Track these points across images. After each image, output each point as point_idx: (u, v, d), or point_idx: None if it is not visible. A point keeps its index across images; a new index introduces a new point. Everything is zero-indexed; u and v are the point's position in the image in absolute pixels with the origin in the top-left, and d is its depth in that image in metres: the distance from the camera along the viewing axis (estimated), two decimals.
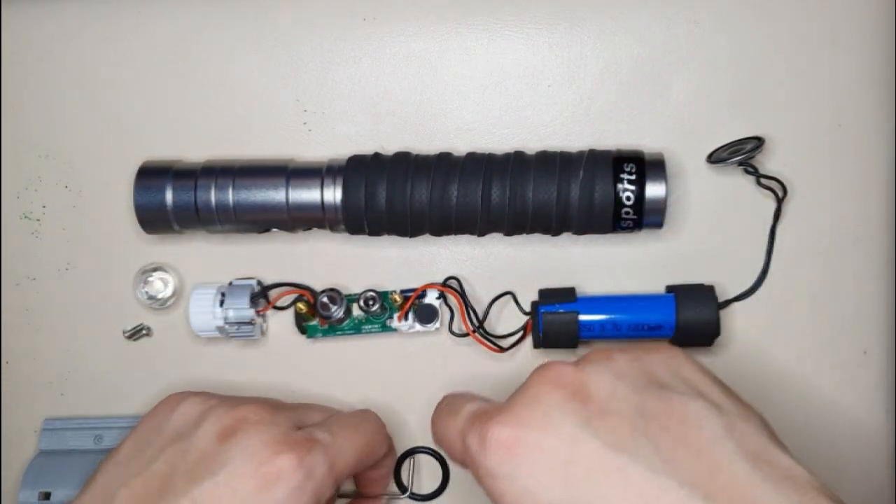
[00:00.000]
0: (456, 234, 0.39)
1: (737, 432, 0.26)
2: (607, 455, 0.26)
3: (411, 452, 0.40)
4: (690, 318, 0.37)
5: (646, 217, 0.37)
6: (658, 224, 0.37)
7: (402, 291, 0.40)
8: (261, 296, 0.40)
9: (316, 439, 0.32)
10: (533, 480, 0.27)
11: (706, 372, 0.30)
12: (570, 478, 0.26)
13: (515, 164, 0.37)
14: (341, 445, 0.33)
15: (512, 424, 0.28)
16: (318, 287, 0.41)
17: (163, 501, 0.30)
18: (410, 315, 0.40)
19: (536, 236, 0.40)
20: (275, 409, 0.33)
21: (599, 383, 0.28)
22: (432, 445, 0.40)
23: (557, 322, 0.37)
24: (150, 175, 0.39)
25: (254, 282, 0.40)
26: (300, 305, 0.39)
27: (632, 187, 0.36)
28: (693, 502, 0.24)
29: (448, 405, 0.33)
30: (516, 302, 0.40)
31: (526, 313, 0.40)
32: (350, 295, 0.40)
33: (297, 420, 0.34)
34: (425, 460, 0.41)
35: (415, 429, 0.41)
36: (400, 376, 0.41)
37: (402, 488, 0.40)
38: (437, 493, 0.40)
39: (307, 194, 0.38)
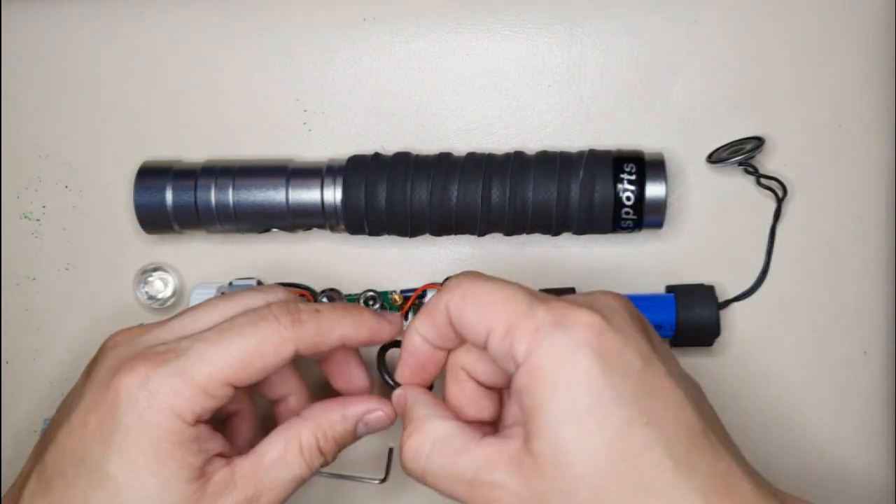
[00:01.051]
0: (456, 234, 0.39)
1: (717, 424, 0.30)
2: (673, 384, 0.27)
3: (395, 344, 0.36)
4: (690, 318, 0.37)
5: (646, 217, 0.37)
6: (658, 224, 0.37)
7: (402, 291, 0.40)
8: None
9: (166, 351, 0.29)
10: (610, 375, 0.26)
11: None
12: (642, 386, 0.27)
13: (515, 165, 0.37)
14: (204, 352, 0.29)
15: (599, 314, 0.27)
16: (318, 287, 0.41)
17: (44, 449, 0.29)
18: (410, 315, 0.40)
19: (536, 236, 0.40)
20: (149, 327, 0.31)
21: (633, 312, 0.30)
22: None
23: None
24: (150, 175, 0.39)
25: (254, 282, 0.40)
26: None
27: (632, 187, 0.36)
28: (723, 453, 0.27)
29: (494, 279, 0.30)
30: None
31: None
32: (350, 295, 0.40)
33: (172, 333, 0.30)
34: None
35: None
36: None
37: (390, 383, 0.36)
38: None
39: (307, 194, 0.38)
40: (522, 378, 0.27)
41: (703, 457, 0.26)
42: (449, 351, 0.32)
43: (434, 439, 0.29)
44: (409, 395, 0.32)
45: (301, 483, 0.31)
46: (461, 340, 0.31)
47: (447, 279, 0.40)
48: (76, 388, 0.31)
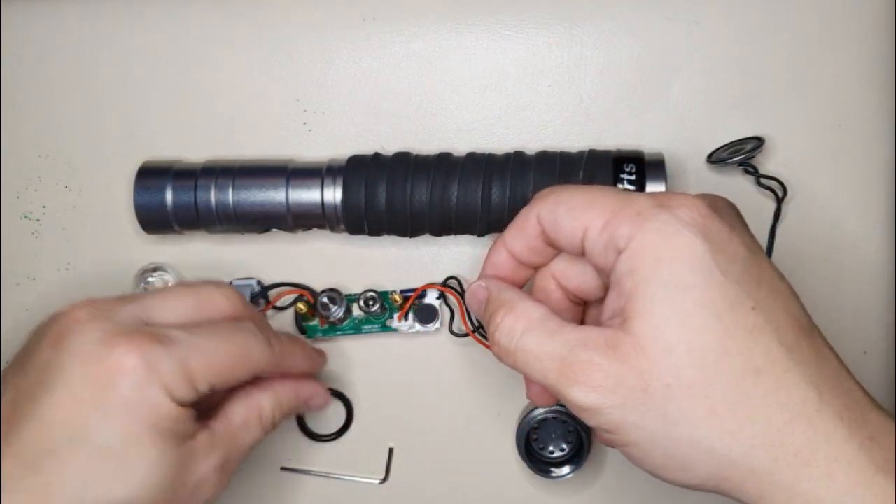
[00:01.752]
0: (456, 234, 0.39)
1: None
2: (779, 278, 0.28)
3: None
4: None
5: None
6: None
7: (402, 291, 0.40)
8: (261, 296, 0.40)
9: (163, 335, 0.29)
10: (719, 252, 0.26)
11: None
12: (749, 276, 0.27)
13: (515, 164, 0.37)
14: (199, 345, 0.30)
15: (705, 203, 0.28)
16: (318, 287, 0.41)
17: (14, 429, 0.28)
18: (410, 315, 0.40)
19: None
20: (111, 304, 0.30)
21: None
22: (333, 388, 0.40)
23: None
24: (150, 175, 0.39)
25: (254, 282, 0.40)
26: (300, 305, 0.39)
27: (632, 187, 0.36)
28: (829, 351, 0.27)
29: (583, 187, 0.31)
30: None
31: None
32: (350, 295, 0.40)
33: (143, 314, 0.31)
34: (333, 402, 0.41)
35: (415, 428, 0.41)
36: (400, 376, 0.41)
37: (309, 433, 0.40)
38: (339, 432, 0.41)
39: (307, 194, 0.38)
40: (625, 263, 0.27)
41: (814, 351, 0.26)
42: (535, 269, 0.32)
43: (529, 318, 0.29)
44: (491, 285, 0.32)
45: (255, 446, 0.33)
46: (550, 254, 0.32)
47: (448, 278, 0.40)
48: (38, 360, 0.29)
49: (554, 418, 0.38)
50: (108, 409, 0.28)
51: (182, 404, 0.29)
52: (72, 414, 0.28)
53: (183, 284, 0.34)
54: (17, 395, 0.29)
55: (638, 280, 0.26)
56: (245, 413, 0.33)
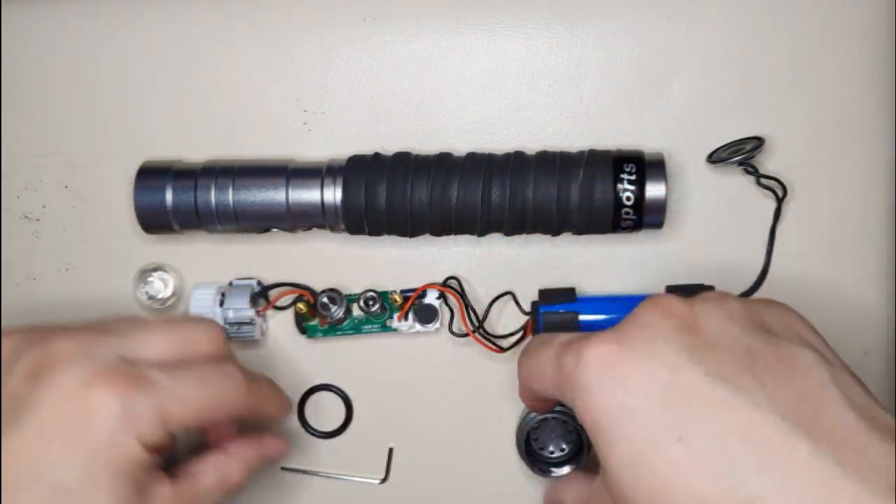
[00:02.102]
0: (456, 234, 0.39)
1: (843, 384, 0.26)
2: (710, 384, 0.25)
3: (312, 391, 0.41)
4: None
5: (646, 217, 0.37)
6: (658, 224, 0.37)
7: (402, 291, 0.40)
8: (261, 296, 0.40)
9: (145, 377, 0.29)
10: (630, 398, 0.26)
11: (816, 330, 0.29)
12: (669, 402, 0.25)
13: (515, 164, 0.37)
14: (180, 392, 0.29)
15: (615, 342, 0.27)
16: (318, 287, 0.41)
17: None
18: (410, 315, 0.40)
19: (536, 236, 0.40)
20: (94, 338, 0.30)
21: (710, 320, 0.28)
22: (334, 385, 0.41)
23: (557, 322, 0.37)
24: (150, 175, 0.39)
25: (254, 282, 0.40)
26: (300, 305, 0.39)
27: (632, 187, 0.36)
28: (794, 437, 0.24)
29: (539, 339, 0.32)
30: (516, 302, 0.40)
31: (526, 313, 0.40)
32: (350, 295, 0.40)
33: (126, 350, 0.30)
34: (329, 398, 0.41)
35: (415, 428, 0.41)
36: (400, 376, 0.41)
37: (309, 429, 0.41)
38: (340, 430, 0.41)
39: (307, 194, 0.38)
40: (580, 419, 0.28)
41: (762, 452, 0.24)
42: None
43: None
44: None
45: None
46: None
47: (448, 278, 0.40)
48: (13, 388, 0.29)
49: (554, 418, 0.38)
50: (75, 449, 0.27)
51: (151, 449, 0.29)
52: (37, 451, 0.27)
53: (166, 319, 0.34)
54: None
55: (593, 440, 0.27)
56: (213, 477, 0.33)
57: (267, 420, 0.38)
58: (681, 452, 0.25)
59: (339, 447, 0.41)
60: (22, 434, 0.28)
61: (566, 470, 0.39)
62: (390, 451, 0.41)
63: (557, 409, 0.38)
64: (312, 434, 0.41)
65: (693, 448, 0.24)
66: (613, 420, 0.26)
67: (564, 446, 0.39)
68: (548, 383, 0.30)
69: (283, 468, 0.41)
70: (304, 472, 0.41)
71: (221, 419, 0.32)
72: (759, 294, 0.39)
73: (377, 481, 0.41)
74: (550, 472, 0.39)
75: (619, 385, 0.26)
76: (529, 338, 0.40)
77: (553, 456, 0.39)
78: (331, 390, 0.41)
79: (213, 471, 0.33)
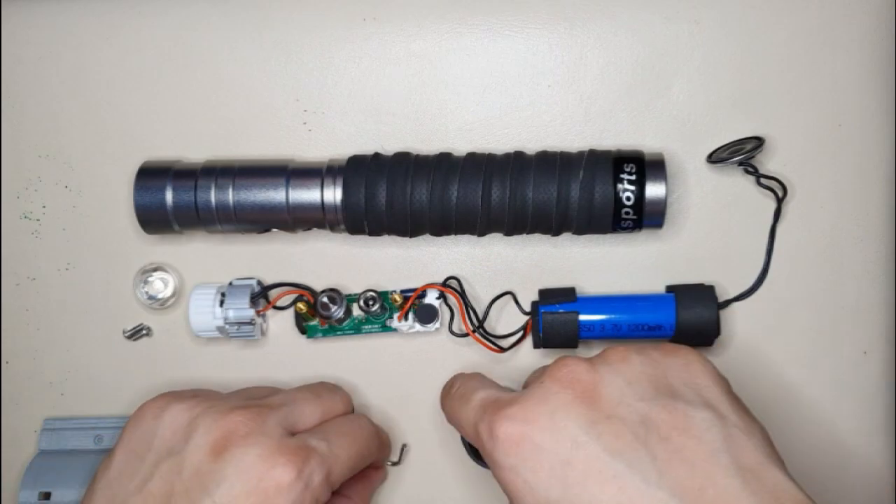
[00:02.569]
0: (456, 234, 0.39)
1: (735, 446, 0.27)
2: (605, 461, 0.27)
3: None
4: (690, 318, 0.37)
5: (646, 217, 0.37)
6: (658, 224, 0.37)
7: (402, 291, 0.40)
8: (261, 296, 0.40)
9: (312, 448, 0.32)
10: (534, 476, 0.28)
11: (720, 380, 0.30)
12: (568, 479, 0.27)
13: (515, 164, 0.37)
14: (337, 454, 0.33)
15: (520, 420, 0.29)
16: (318, 287, 0.41)
17: None
18: (410, 315, 0.40)
19: (536, 236, 0.40)
20: (263, 415, 0.33)
21: (610, 387, 0.29)
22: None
23: (557, 322, 0.37)
24: (150, 175, 0.39)
25: (254, 282, 0.40)
26: (300, 305, 0.39)
27: (632, 187, 0.36)
28: None
29: (459, 392, 0.34)
30: (516, 302, 0.40)
31: (526, 313, 0.40)
32: (350, 295, 0.40)
33: (286, 423, 0.33)
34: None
35: (415, 428, 0.41)
36: (400, 376, 0.41)
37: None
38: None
39: (307, 194, 0.38)
40: None
41: None
42: None
43: None
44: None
45: None
46: None
47: (448, 278, 0.40)
48: (194, 463, 0.31)
49: None
50: None
51: None
52: None
53: (308, 388, 0.38)
54: (171, 491, 0.31)
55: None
56: None
57: (380, 463, 0.41)
58: None
59: None
60: None
61: None
62: (403, 446, 0.41)
63: None
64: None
65: None
66: (522, 498, 0.28)
67: None
68: (468, 436, 0.32)
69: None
70: None
71: (366, 465, 0.36)
72: (758, 294, 0.39)
73: (390, 464, 0.41)
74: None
75: (523, 465, 0.28)
76: (528, 341, 0.40)
77: None
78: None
79: None
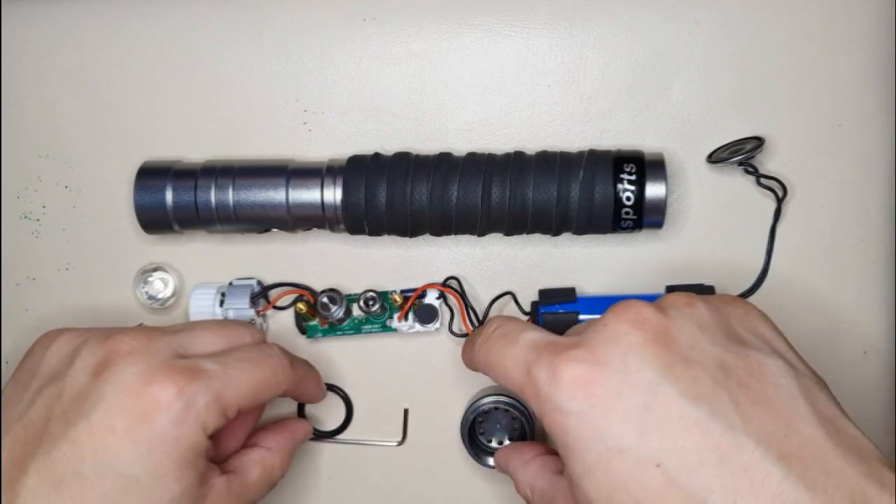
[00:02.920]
0: (456, 234, 0.39)
1: (811, 395, 0.26)
2: (686, 406, 0.25)
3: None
4: None
5: (646, 217, 0.37)
6: (658, 224, 0.37)
7: (402, 291, 0.40)
8: (261, 296, 0.40)
9: (200, 368, 0.31)
10: (606, 422, 0.26)
11: (780, 332, 0.29)
12: (646, 425, 0.25)
13: (515, 165, 0.37)
14: (233, 377, 0.31)
15: (589, 363, 0.27)
16: (318, 287, 0.41)
17: (42, 447, 0.29)
18: (410, 315, 0.40)
19: (536, 236, 0.40)
20: (151, 336, 0.31)
21: (682, 331, 0.27)
22: (336, 385, 0.41)
23: (557, 322, 0.37)
24: (150, 175, 0.39)
25: (254, 282, 0.40)
26: (300, 305, 0.39)
27: (632, 187, 0.36)
28: (767, 462, 0.24)
29: (500, 332, 0.31)
30: (516, 302, 0.40)
31: (526, 313, 0.40)
32: (350, 295, 0.40)
33: (179, 347, 0.32)
34: (330, 398, 0.41)
35: (415, 428, 0.41)
36: (400, 376, 0.41)
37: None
38: (340, 429, 0.41)
39: (307, 194, 0.38)
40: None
41: (737, 477, 0.24)
42: None
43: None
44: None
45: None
46: None
47: (448, 278, 0.40)
48: (74, 384, 0.30)
49: (504, 409, 0.39)
50: (141, 441, 0.29)
51: (210, 436, 0.31)
52: (104, 442, 0.29)
53: (215, 320, 0.37)
54: (49, 415, 0.30)
55: (564, 462, 0.28)
56: (260, 472, 0.35)
57: (306, 401, 0.39)
58: (659, 480, 0.25)
59: (338, 447, 0.41)
60: (89, 427, 0.29)
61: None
62: (405, 411, 0.41)
63: (504, 398, 0.38)
64: (315, 435, 0.41)
65: (671, 475, 0.24)
66: (589, 446, 0.26)
67: (507, 440, 0.40)
68: (511, 384, 0.30)
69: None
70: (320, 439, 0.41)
71: (270, 398, 0.34)
72: (758, 294, 0.39)
73: (395, 444, 0.41)
74: (488, 461, 0.39)
75: (592, 410, 0.26)
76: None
77: (493, 446, 0.40)
78: (332, 390, 0.41)
79: (258, 466, 0.35)
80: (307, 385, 0.37)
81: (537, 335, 0.30)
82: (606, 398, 0.26)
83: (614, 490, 0.25)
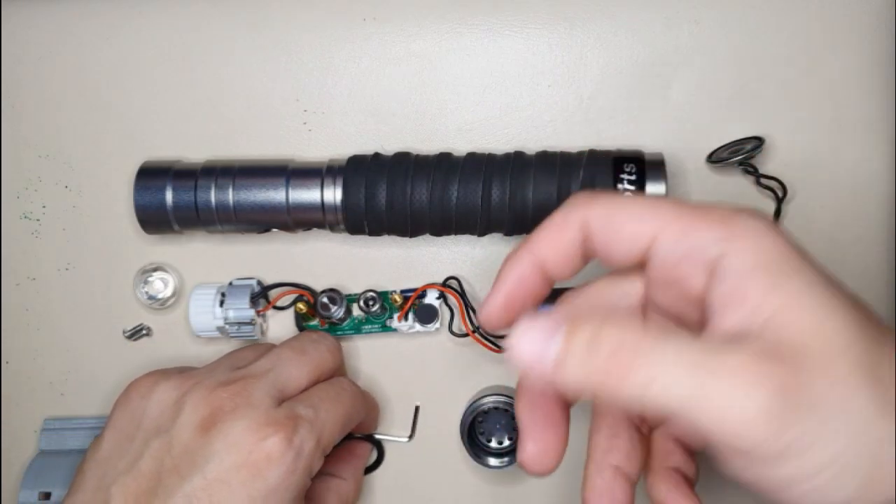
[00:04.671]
0: (456, 234, 0.39)
1: None
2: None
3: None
4: None
5: None
6: None
7: (402, 291, 0.40)
8: (261, 296, 0.40)
9: (300, 416, 0.32)
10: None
11: None
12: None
13: (515, 164, 0.37)
14: (324, 419, 0.33)
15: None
16: (318, 287, 0.41)
17: (158, 499, 0.30)
18: (410, 315, 0.40)
19: None
20: (249, 388, 0.33)
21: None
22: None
23: None
24: (150, 175, 0.39)
25: (254, 282, 0.40)
26: (300, 305, 0.39)
27: (632, 188, 0.36)
28: None
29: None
30: None
31: None
32: (350, 295, 0.40)
33: (273, 391, 0.33)
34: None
35: (415, 429, 0.41)
36: (400, 376, 0.41)
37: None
38: (373, 467, 0.41)
39: (307, 194, 0.38)
40: (734, 269, 0.23)
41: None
42: (550, 284, 0.28)
43: (641, 328, 0.23)
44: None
45: None
46: (578, 268, 0.27)
47: (448, 278, 0.40)
48: (183, 440, 0.31)
49: (504, 410, 0.39)
50: (256, 495, 0.30)
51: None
52: (220, 495, 0.30)
53: (292, 346, 0.36)
54: (160, 468, 0.31)
55: (765, 283, 0.23)
56: (336, 501, 0.37)
57: (369, 431, 0.40)
58: (850, 293, 0.23)
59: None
60: (204, 481, 0.30)
61: (505, 461, 0.39)
62: (416, 409, 0.41)
63: (504, 399, 0.38)
64: None
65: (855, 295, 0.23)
66: (812, 270, 0.23)
67: (507, 440, 0.40)
68: (661, 222, 0.24)
69: None
70: None
71: (350, 429, 0.36)
72: None
73: (405, 439, 0.41)
74: (488, 461, 0.39)
75: (791, 243, 0.24)
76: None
77: (492, 446, 0.40)
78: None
79: (335, 496, 0.37)
80: (374, 413, 0.40)
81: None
82: (794, 242, 0.24)
83: (834, 301, 0.23)
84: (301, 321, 0.41)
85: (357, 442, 0.40)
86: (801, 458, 0.21)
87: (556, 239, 0.27)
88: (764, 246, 0.23)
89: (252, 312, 0.39)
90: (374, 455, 0.41)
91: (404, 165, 0.38)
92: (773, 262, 0.23)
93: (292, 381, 0.34)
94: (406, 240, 0.40)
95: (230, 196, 0.38)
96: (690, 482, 0.29)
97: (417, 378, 0.41)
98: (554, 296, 0.37)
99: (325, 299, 0.39)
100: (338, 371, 0.38)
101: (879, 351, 0.22)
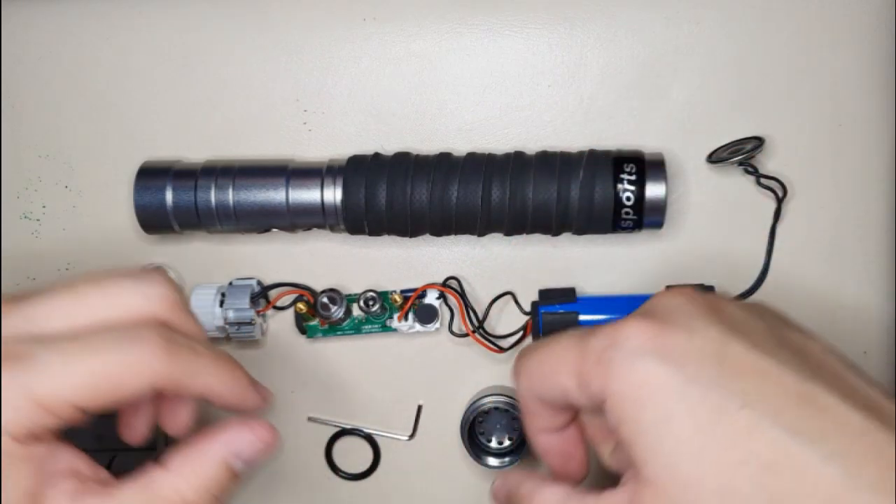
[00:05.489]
0: (456, 234, 0.39)
1: (855, 369, 0.26)
2: (757, 356, 0.25)
3: (342, 434, 0.41)
4: None
5: (646, 217, 0.37)
6: (658, 224, 0.37)
7: (402, 291, 0.40)
8: (261, 296, 0.40)
9: (23, 355, 0.24)
10: (684, 369, 0.25)
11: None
12: (726, 371, 0.25)
13: (515, 165, 0.37)
14: (53, 365, 0.24)
15: (651, 320, 0.26)
16: (318, 287, 0.41)
17: None
18: (410, 315, 0.40)
19: (536, 236, 0.40)
20: (3, 306, 0.26)
21: (731, 307, 0.27)
22: (364, 428, 0.41)
23: (557, 322, 0.37)
24: (150, 175, 0.39)
25: (254, 282, 0.40)
26: (300, 305, 0.39)
27: (632, 188, 0.36)
28: (846, 405, 0.24)
29: (546, 339, 0.29)
30: (516, 302, 0.40)
31: (526, 313, 0.40)
32: (350, 295, 0.40)
33: (28, 323, 0.26)
34: (358, 443, 0.41)
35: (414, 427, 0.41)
36: (400, 376, 0.41)
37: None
38: (367, 472, 0.41)
39: (307, 194, 0.38)
40: (611, 414, 0.26)
41: (820, 419, 0.24)
42: (573, 417, 0.32)
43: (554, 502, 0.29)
44: (507, 479, 0.32)
45: None
46: (567, 407, 0.30)
47: (448, 278, 0.40)
48: None
49: (504, 409, 0.39)
50: None
51: (35, 437, 0.25)
52: None
53: (93, 278, 0.27)
54: None
55: (630, 428, 0.25)
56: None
57: (219, 405, 0.29)
58: (745, 420, 0.24)
59: (339, 446, 0.41)
60: None
61: (505, 461, 0.39)
62: (419, 407, 0.41)
63: (504, 399, 0.38)
64: (343, 476, 0.41)
65: (757, 416, 0.24)
66: (666, 394, 0.25)
67: (507, 440, 0.40)
68: (563, 376, 0.28)
69: (309, 418, 0.41)
70: (329, 423, 0.41)
71: (126, 396, 0.26)
72: (758, 294, 0.39)
73: (406, 438, 0.41)
74: (488, 461, 0.39)
75: (667, 357, 0.25)
76: (528, 341, 0.39)
77: (492, 446, 0.40)
78: (352, 434, 0.41)
79: (139, 497, 0.26)
80: (204, 380, 0.28)
81: (583, 329, 0.28)
82: (678, 347, 0.25)
83: (703, 436, 0.24)
84: (301, 321, 0.41)
85: (242, 426, 0.28)
86: None
87: (531, 414, 0.31)
88: (631, 395, 0.26)
89: (252, 312, 0.39)
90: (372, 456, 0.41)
91: (404, 165, 0.38)
92: (640, 414, 0.25)
93: (59, 317, 0.26)
94: (406, 240, 0.40)
95: (230, 196, 0.38)
96: None
97: (417, 378, 0.41)
98: (565, 294, 0.38)
99: (325, 299, 0.39)
100: (147, 322, 0.27)
101: (758, 491, 0.24)
